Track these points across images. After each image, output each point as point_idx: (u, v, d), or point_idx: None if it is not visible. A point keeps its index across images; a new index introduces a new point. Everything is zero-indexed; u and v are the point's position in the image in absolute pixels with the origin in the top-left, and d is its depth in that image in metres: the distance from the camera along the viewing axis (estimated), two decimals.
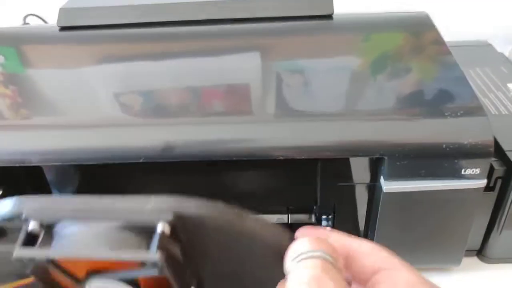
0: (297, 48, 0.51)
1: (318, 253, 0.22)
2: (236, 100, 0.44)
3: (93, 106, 0.44)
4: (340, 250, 0.25)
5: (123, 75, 0.48)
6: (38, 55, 0.54)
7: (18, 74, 0.49)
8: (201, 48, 0.52)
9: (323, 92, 0.44)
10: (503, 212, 0.46)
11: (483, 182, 0.40)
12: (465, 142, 0.39)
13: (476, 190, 0.41)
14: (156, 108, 0.43)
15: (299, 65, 0.48)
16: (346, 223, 0.46)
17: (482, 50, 0.65)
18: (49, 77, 0.49)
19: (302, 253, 0.22)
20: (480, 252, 0.50)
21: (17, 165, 0.42)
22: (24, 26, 0.68)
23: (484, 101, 0.52)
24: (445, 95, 0.43)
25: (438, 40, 0.49)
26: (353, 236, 0.27)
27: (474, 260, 0.51)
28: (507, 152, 0.44)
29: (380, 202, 0.41)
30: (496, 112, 0.50)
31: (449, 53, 0.47)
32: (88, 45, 0.54)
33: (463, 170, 0.40)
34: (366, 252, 0.26)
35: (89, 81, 0.48)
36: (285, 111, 0.43)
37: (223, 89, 0.45)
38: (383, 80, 0.45)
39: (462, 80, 0.44)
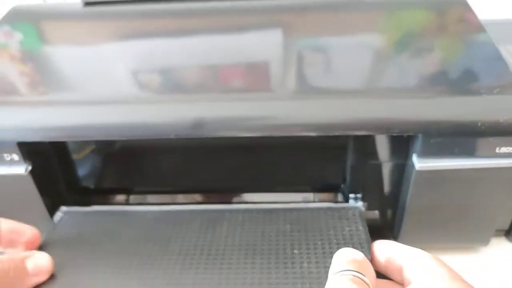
0: (321, 25, 0.51)
1: (360, 276, 0.28)
2: (259, 77, 0.44)
3: (115, 83, 0.45)
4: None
5: (143, 52, 0.48)
6: (58, 32, 0.54)
7: (36, 51, 0.49)
8: (223, 24, 0.51)
9: (354, 70, 0.44)
10: None
11: None
12: (501, 120, 0.38)
13: (510, 169, 0.40)
14: (182, 85, 0.43)
15: (326, 42, 0.48)
16: (375, 202, 0.46)
17: None
18: (69, 54, 0.49)
19: (347, 270, 0.29)
20: (509, 233, 0.50)
21: (46, 140, 0.42)
22: (45, 3, 0.68)
23: None
24: (480, 72, 0.42)
25: (471, 17, 0.48)
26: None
27: (502, 240, 0.50)
28: None
29: (412, 180, 0.41)
30: None
31: (483, 30, 0.46)
32: (109, 22, 0.54)
33: (497, 149, 0.39)
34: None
35: (110, 58, 0.48)
36: (318, 88, 0.42)
37: (247, 67, 0.45)
38: (415, 58, 0.44)
39: (497, 57, 0.44)
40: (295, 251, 0.37)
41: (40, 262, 0.32)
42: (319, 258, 0.37)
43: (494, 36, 0.46)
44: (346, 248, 0.31)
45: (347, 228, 0.40)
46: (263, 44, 0.48)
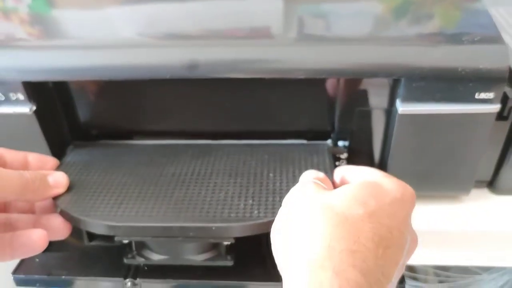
0: None
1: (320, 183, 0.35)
2: (261, 30, 0.46)
3: (117, 32, 0.47)
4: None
5: (146, 14, 0.50)
6: None
7: (44, 14, 0.51)
8: None
9: (347, 26, 0.46)
10: None
11: (496, 107, 0.42)
12: (480, 66, 0.40)
13: (489, 114, 0.42)
14: (181, 35, 0.46)
15: (322, 8, 0.49)
16: (362, 148, 0.48)
17: None
18: (75, 17, 0.51)
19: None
20: (491, 184, 0.52)
21: (48, 80, 0.45)
22: None
23: (505, 37, 0.52)
24: (465, 25, 0.44)
25: None
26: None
27: (484, 191, 0.52)
28: None
29: (396, 124, 0.43)
30: None
31: None
32: None
33: (477, 94, 0.41)
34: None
35: (114, 17, 0.50)
36: (306, 36, 0.44)
37: (250, 26, 0.47)
38: (407, 16, 0.46)
39: (483, 12, 0.45)
40: (271, 175, 0.44)
41: (58, 178, 0.40)
42: (289, 180, 0.43)
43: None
44: (312, 170, 0.39)
45: (315, 160, 0.46)
46: (262, 10, 0.50)
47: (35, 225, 0.38)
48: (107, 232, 0.39)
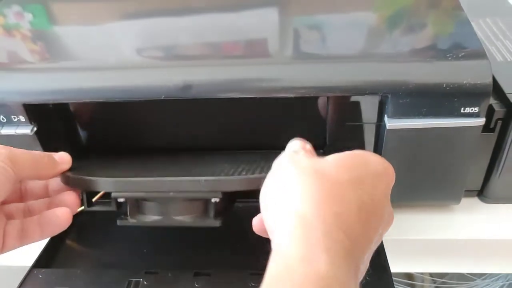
0: (314, 3, 0.54)
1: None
2: (252, 48, 0.48)
3: (114, 52, 0.49)
4: None
5: (144, 30, 0.52)
6: (65, 12, 0.57)
7: (46, 31, 0.53)
8: (221, 3, 0.55)
9: (336, 41, 0.47)
10: (502, 153, 0.48)
11: (481, 121, 0.43)
12: (464, 82, 0.41)
13: (475, 128, 0.43)
14: (176, 54, 0.47)
15: (316, 20, 0.51)
16: None
17: (495, 2, 0.66)
18: (75, 35, 0.53)
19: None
20: (481, 193, 0.53)
21: (49, 102, 0.47)
22: None
23: (491, 48, 0.54)
24: (449, 41, 0.46)
25: None
26: None
27: (475, 200, 0.54)
28: (507, 94, 0.46)
29: (384, 139, 0.44)
30: (502, 59, 0.52)
31: (459, 7, 0.49)
32: (114, 1, 0.57)
33: (462, 109, 0.42)
34: None
35: (112, 34, 0.52)
36: (295, 54, 0.46)
37: (241, 43, 0.49)
38: (393, 31, 0.48)
39: (467, 27, 0.47)
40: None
41: (62, 155, 0.44)
42: None
43: (472, 9, 0.50)
44: (298, 140, 0.39)
45: None
46: (258, 23, 0.52)
47: (51, 206, 0.42)
48: (104, 187, 0.42)
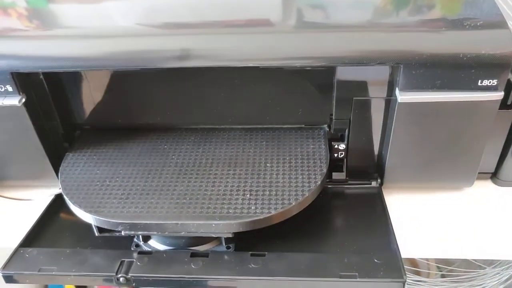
0: None
1: None
2: (254, 18, 0.45)
3: (109, 23, 0.46)
4: None
5: (144, 9, 0.49)
6: None
7: (42, 9, 0.50)
8: None
9: (343, 15, 0.44)
10: None
11: (500, 95, 0.40)
12: (483, 52, 0.38)
13: (492, 102, 0.41)
14: (173, 23, 0.45)
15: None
16: (360, 139, 0.47)
17: None
18: (71, 10, 0.50)
19: None
20: (495, 175, 0.50)
21: (38, 71, 0.44)
22: None
23: (509, 22, 0.51)
24: (469, 11, 0.43)
25: None
26: None
27: (488, 183, 0.51)
28: None
29: (395, 113, 0.42)
30: None
31: None
32: None
33: (479, 81, 0.40)
34: None
35: (110, 13, 0.48)
36: (301, 23, 0.44)
37: (242, 14, 0.46)
38: (408, 3, 0.45)
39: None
40: (268, 165, 0.46)
41: None
42: (285, 170, 0.45)
43: None
44: None
45: (311, 146, 0.48)
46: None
47: None
48: (115, 227, 0.41)
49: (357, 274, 0.38)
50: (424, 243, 0.46)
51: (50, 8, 0.50)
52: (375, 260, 0.39)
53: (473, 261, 0.63)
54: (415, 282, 0.63)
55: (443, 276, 0.67)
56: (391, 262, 0.39)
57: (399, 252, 0.41)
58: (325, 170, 0.44)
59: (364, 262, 0.39)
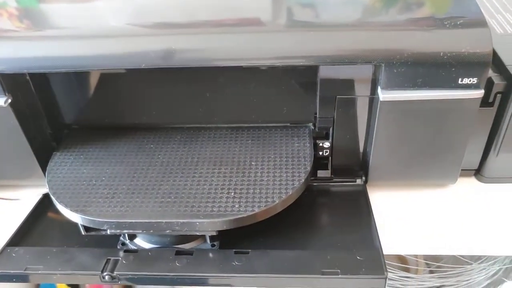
0: None
1: None
2: (239, 17, 0.45)
3: (96, 23, 0.46)
4: None
5: (134, 9, 0.49)
6: None
7: (32, 8, 0.50)
8: None
9: (326, 11, 0.45)
10: (501, 130, 0.46)
11: (480, 93, 0.41)
12: (463, 50, 0.39)
13: (473, 100, 0.41)
14: (159, 23, 0.45)
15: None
16: (345, 137, 0.47)
17: None
18: (60, 10, 0.50)
19: None
20: (478, 172, 0.51)
21: (23, 72, 0.44)
22: None
23: (491, 21, 0.51)
24: (449, 10, 0.43)
25: None
26: None
27: (472, 179, 0.52)
28: (508, 66, 0.44)
29: (378, 112, 0.42)
30: (502, 32, 0.49)
31: None
32: None
33: (460, 79, 0.40)
34: None
35: (101, 13, 0.48)
36: (284, 22, 0.44)
37: (229, 14, 0.46)
38: (392, 4, 0.45)
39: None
40: (253, 163, 0.46)
41: None
42: (270, 169, 0.45)
43: None
44: None
45: (296, 144, 0.48)
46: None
47: None
48: (101, 226, 0.41)
49: (339, 271, 0.39)
50: (409, 240, 0.46)
51: (37, 8, 0.50)
52: (358, 257, 0.40)
53: (460, 257, 0.64)
54: (403, 278, 0.63)
55: (431, 272, 0.67)
56: (373, 259, 0.40)
57: (381, 249, 0.41)
58: (309, 168, 0.45)
59: (347, 259, 0.40)
